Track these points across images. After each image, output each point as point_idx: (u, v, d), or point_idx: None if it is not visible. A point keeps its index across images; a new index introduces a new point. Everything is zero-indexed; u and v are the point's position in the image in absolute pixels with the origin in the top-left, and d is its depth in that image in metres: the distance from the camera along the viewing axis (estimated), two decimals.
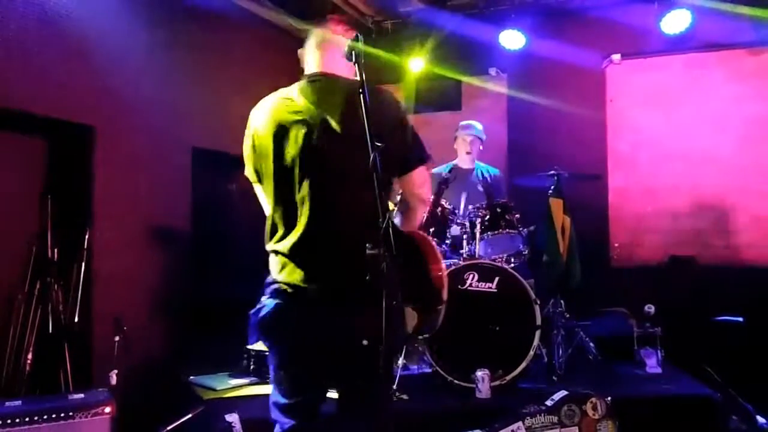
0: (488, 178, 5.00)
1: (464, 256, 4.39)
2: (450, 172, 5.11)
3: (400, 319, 2.13)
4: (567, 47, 6.02)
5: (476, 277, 4.15)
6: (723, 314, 5.02)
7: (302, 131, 2.34)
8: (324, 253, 2.30)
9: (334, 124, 2.34)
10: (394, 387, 3.95)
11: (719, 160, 5.80)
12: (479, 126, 5.35)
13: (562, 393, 3.61)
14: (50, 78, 4.08)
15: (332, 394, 2.48)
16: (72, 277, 4.16)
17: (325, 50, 2.55)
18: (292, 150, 2.34)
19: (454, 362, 4.06)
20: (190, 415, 3.84)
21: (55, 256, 4.08)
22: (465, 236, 4.44)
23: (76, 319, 4.11)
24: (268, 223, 2.43)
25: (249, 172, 2.53)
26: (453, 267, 4.16)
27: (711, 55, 5.93)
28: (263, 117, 2.45)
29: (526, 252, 4.57)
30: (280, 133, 2.37)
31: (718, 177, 5.82)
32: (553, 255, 4.54)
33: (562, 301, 4.68)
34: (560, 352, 4.46)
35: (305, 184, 2.32)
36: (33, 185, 4.26)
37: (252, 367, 4.44)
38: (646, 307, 4.77)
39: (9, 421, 3.01)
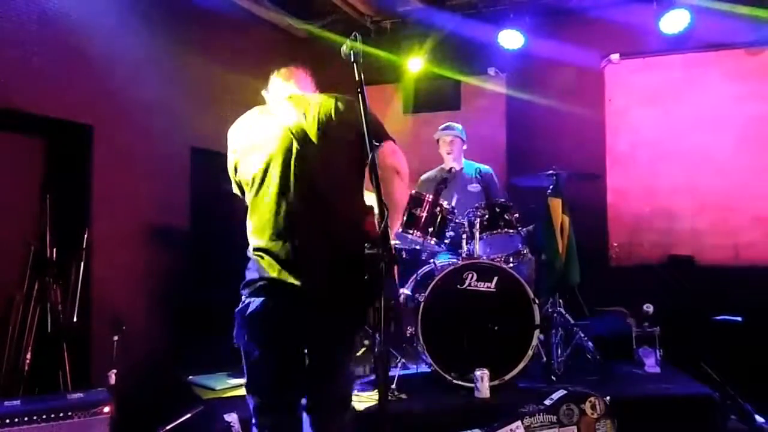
0: (482, 177, 5.00)
1: (463, 255, 4.39)
2: (449, 171, 5.13)
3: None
4: (566, 47, 6.02)
5: (475, 277, 4.15)
6: (722, 314, 5.02)
7: (281, 143, 2.55)
8: (305, 254, 2.48)
9: (311, 134, 2.54)
10: (393, 386, 3.95)
11: (718, 160, 5.81)
12: (459, 126, 5.36)
13: (561, 392, 3.61)
14: (49, 78, 4.08)
15: None
16: (71, 277, 4.16)
17: (293, 78, 2.88)
18: (272, 160, 2.54)
19: (453, 362, 4.06)
20: (189, 415, 3.84)
21: (54, 255, 4.08)
22: (464, 236, 4.44)
23: (75, 319, 4.11)
24: (253, 225, 2.59)
25: (235, 188, 2.76)
26: (452, 266, 4.17)
27: (710, 54, 5.93)
28: (241, 134, 2.69)
29: (525, 251, 4.57)
30: (259, 146, 2.59)
31: (716, 177, 5.82)
32: (551, 255, 4.54)
33: (561, 301, 4.68)
34: (559, 351, 4.47)
35: (287, 191, 2.52)
36: (32, 185, 4.26)
37: None
38: (644, 307, 4.77)
39: (8, 421, 3.01)
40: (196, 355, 4.82)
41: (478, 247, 4.37)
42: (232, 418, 3.50)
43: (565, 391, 3.62)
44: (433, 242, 4.35)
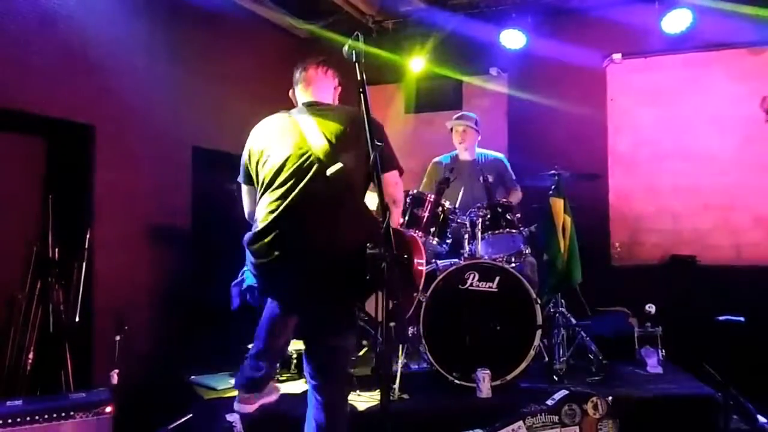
0: (489, 178, 4.98)
1: (465, 255, 4.39)
2: (452, 162, 5.12)
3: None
4: (568, 47, 6.01)
5: (477, 277, 4.15)
6: (724, 314, 5.00)
7: (296, 150, 2.79)
8: (299, 243, 2.75)
9: (324, 142, 2.76)
10: (395, 386, 3.95)
11: (720, 160, 5.80)
12: (471, 115, 5.35)
13: (563, 392, 3.61)
14: (51, 78, 4.08)
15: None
16: (73, 277, 4.16)
17: (312, 87, 3.05)
18: (286, 164, 2.79)
19: (454, 361, 4.06)
20: (190, 415, 3.85)
21: (56, 255, 4.08)
22: (466, 236, 4.44)
23: (77, 319, 4.11)
24: (259, 214, 2.83)
25: (242, 176, 3.03)
26: (454, 267, 4.17)
27: (712, 54, 5.92)
28: (261, 134, 2.96)
29: (527, 251, 4.57)
30: (275, 147, 2.85)
31: (718, 176, 5.81)
32: (553, 255, 4.54)
33: (562, 301, 4.68)
34: (561, 351, 4.46)
35: (293, 189, 2.75)
36: (34, 185, 4.26)
37: None
38: (646, 307, 4.77)
39: (10, 421, 3.03)
40: (198, 355, 4.83)
41: (480, 247, 4.37)
42: (234, 417, 3.50)
43: (567, 392, 3.62)
44: (434, 242, 4.35)
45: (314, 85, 3.05)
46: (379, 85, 6.81)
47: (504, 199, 4.65)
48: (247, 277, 3.12)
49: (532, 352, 4.10)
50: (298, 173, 2.76)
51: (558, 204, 4.60)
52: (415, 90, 6.94)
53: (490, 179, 4.82)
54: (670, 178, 5.99)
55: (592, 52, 6.15)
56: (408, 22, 6.65)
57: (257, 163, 2.90)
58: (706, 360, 4.58)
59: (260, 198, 2.87)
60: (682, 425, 3.83)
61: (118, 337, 4.15)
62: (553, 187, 4.68)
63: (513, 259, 4.56)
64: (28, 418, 3.06)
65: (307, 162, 2.76)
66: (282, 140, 2.85)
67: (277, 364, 4.05)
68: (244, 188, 3.06)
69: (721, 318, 4.94)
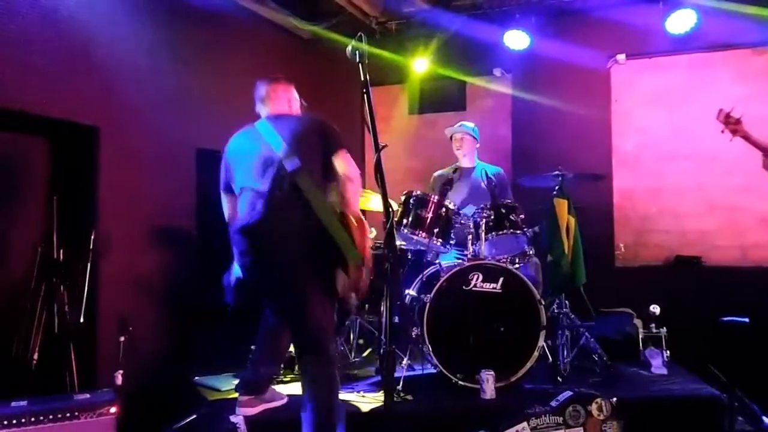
0: (493, 179, 4.99)
1: (469, 256, 4.38)
2: (454, 172, 5.13)
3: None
4: (572, 47, 6.01)
5: (481, 278, 4.15)
6: (729, 315, 5.00)
7: (260, 154, 3.28)
8: (272, 233, 3.18)
9: (282, 145, 3.23)
10: (399, 387, 3.96)
11: (724, 160, 5.78)
12: (470, 124, 5.36)
13: (567, 394, 3.61)
14: (55, 79, 4.09)
15: None
16: (77, 278, 4.17)
17: (270, 102, 3.55)
18: (254, 165, 3.28)
19: (458, 363, 4.06)
20: (195, 416, 3.85)
21: (61, 256, 4.09)
22: (470, 237, 4.44)
23: (82, 320, 4.11)
24: (240, 210, 3.33)
25: (222, 186, 3.59)
26: (458, 267, 4.17)
27: (716, 55, 5.91)
28: (232, 147, 3.52)
29: (531, 252, 4.57)
30: (244, 154, 3.40)
31: (723, 177, 5.79)
32: (557, 255, 4.53)
33: (567, 302, 4.67)
34: (565, 352, 4.46)
35: (261, 187, 3.21)
36: (38, 186, 4.27)
37: None
38: (651, 308, 4.76)
39: (15, 421, 3.03)
40: (202, 356, 4.83)
41: (483, 248, 4.36)
42: (237, 419, 3.50)
43: (571, 393, 3.62)
44: (438, 243, 4.35)
45: (271, 101, 3.54)
46: (383, 86, 6.83)
47: (508, 200, 4.64)
48: (235, 269, 3.46)
49: (536, 353, 4.10)
50: (264, 174, 3.22)
51: (562, 205, 4.60)
52: (418, 91, 6.94)
53: (494, 181, 4.83)
54: (675, 179, 5.99)
55: (596, 52, 6.14)
56: (411, 23, 6.65)
57: (233, 172, 3.44)
58: (710, 361, 4.57)
59: (238, 200, 3.38)
60: (686, 427, 3.82)
61: (122, 338, 4.15)
62: (557, 187, 4.68)
63: (517, 260, 4.56)
64: (32, 419, 3.06)
65: (270, 163, 3.22)
66: (249, 148, 3.35)
67: (278, 368, 4.11)
68: (224, 197, 3.60)
69: (725, 319, 4.94)
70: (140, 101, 4.66)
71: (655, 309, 4.75)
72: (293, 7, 6.23)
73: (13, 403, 3.16)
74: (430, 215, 4.34)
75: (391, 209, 2.26)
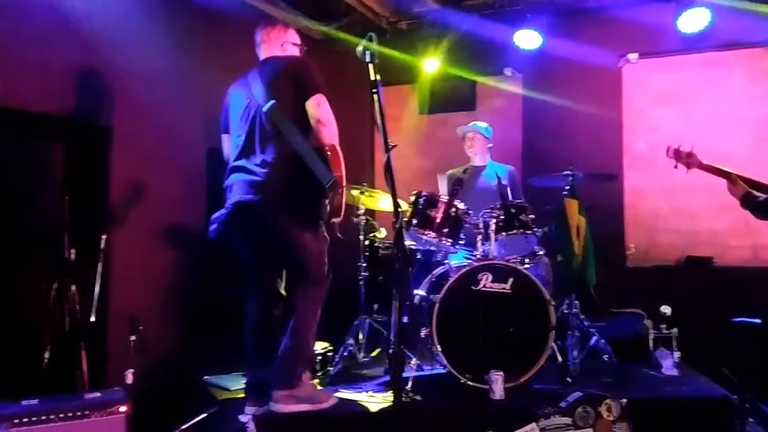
0: (504, 180, 4.97)
1: (478, 256, 4.37)
2: (464, 172, 5.12)
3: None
4: (583, 47, 5.99)
5: (490, 278, 4.13)
6: (741, 315, 4.96)
7: (243, 102, 3.58)
8: (254, 173, 3.46)
9: (261, 87, 3.47)
10: (408, 388, 3.95)
11: (737, 160, 5.70)
12: (481, 124, 5.36)
13: (577, 394, 3.59)
14: (68, 80, 4.12)
15: None
16: (89, 278, 4.19)
17: (264, 44, 3.73)
18: (240, 114, 3.59)
19: (467, 363, 4.04)
20: (204, 415, 3.86)
21: (73, 256, 4.11)
22: (479, 237, 4.43)
23: (93, 319, 4.14)
24: (232, 153, 3.64)
25: (221, 127, 3.79)
26: (467, 267, 4.16)
27: (728, 54, 5.88)
28: (230, 93, 3.76)
29: (541, 253, 4.55)
30: (236, 100, 3.66)
31: None
32: (567, 256, 4.52)
33: (577, 302, 4.65)
34: (575, 353, 4.44)
35: (245, 128, 3.52)
36: (51, 186, 4.30)
37: None
38: (662, 308, 4.73)
39: (26, 420, 3.05)
40: (212, 355, 4.85)
41: (493, 248, 4.35)
42: (246, 418, 3.51)
43: (581, 393, 3.60)
44: (447, 243, 4.35)
45: (264, 45, 3.72)
46: (394, 85, 6.82)
47: (518, 200, 4.63)
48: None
49: (545, 354, 4.08)
50: (247, 116, 3.51)
51: (572, 205, 4.58)
52: (429, 91, 6.94)
53: (504, 182, 4.82)
54: (686, 179, 5.90)
55: (608, 52, 6.12)
56: (422, 22, 6.65)
57: (229, 114, 3.69)
58: (722, 362, 4.55)
59: (230, 143, 3.67)
60: (697, 428, 3.79)
61: (133, 337, 4.16)
62: (567, 187, 4.66)
63: (527, 260, 4.54)
64: (43, 417, 3.08)
65: (250, 109, 3.50)
66: (238, 97, 3.64)
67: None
68: (223, 137, 3.80)
69: (737, 320, 4.90)
70: (152, 101, 4.69)
71: (666, 309, 4.72)
72: (304, 7, 6.24)
73: (24, 402, 3.17)
74: (439, 215, 4.34)
75: (400, 209, 2.25)
